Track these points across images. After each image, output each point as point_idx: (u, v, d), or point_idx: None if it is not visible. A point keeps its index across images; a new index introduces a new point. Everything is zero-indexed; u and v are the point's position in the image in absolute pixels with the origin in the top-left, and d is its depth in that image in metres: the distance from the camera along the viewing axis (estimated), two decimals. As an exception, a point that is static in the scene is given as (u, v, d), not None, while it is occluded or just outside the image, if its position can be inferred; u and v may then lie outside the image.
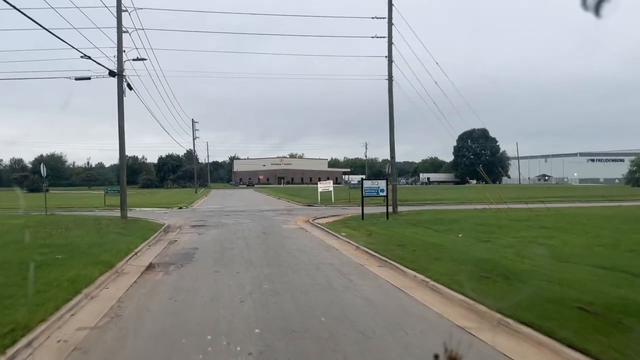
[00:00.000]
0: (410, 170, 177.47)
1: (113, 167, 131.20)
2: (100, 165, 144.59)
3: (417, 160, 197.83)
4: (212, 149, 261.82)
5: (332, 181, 33.66)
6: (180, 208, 30.87)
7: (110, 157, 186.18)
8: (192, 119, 62.14)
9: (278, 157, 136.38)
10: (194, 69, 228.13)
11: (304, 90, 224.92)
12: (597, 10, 2.19)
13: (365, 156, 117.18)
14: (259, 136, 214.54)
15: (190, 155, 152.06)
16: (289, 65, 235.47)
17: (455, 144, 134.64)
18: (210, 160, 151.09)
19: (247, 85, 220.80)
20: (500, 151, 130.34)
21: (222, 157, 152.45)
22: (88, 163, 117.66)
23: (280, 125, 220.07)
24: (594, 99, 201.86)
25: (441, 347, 1.67)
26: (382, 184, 19.16)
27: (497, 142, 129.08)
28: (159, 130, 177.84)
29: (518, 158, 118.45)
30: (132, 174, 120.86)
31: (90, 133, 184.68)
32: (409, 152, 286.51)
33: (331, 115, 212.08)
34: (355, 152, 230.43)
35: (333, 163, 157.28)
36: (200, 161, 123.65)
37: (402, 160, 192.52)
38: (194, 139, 62.28)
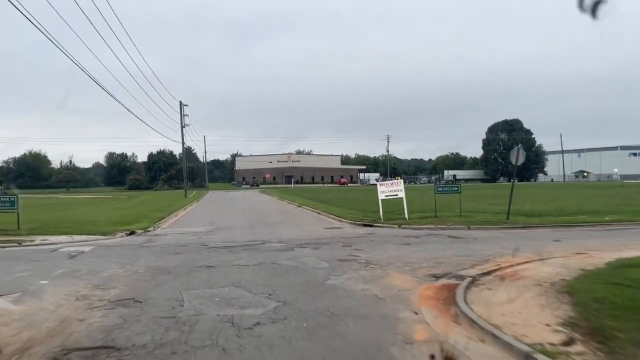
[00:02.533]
0: (428, 168, 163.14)
1: (104, 167, 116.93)
2: (98, 165, 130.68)
3: (425, 157, 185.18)
4: (214, 149, 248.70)
5: (401, 181, 19.46)
6: (131, 234, 16.68)
7: (98, 158, 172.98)
8: (180, 101, 48.06)
9: (285, 154, 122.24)
10: (194, 66, 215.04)
11: (309, 87, 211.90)
12: (593, 12, 2.11)
13: (387, 151, 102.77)
14: (263, 134, 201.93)
15: (189, 152, 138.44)
16: (293, 62, 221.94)
17: (484, 137, 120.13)
18: (211, 159, 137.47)
19: (250, 83, 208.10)
20: (536, 144, 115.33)
21: (224, 156, 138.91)
22: (70, 162, 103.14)
23: (284, 123, 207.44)
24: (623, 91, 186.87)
25: None
26: None
27: (532, 134, 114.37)
28: (156, 126, 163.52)
29: (562, 152, 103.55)
30: (120, 173, 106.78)
31: (92, 133, 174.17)
32: (412, 150, 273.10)
33: (336, 113, 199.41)
34: (362, 149, 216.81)
35: (344, 160, 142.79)
36: (200, 159, 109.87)
37: (409, 158, 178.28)
38: (182, 127, 48.10)
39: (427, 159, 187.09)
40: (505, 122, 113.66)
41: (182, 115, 47.58)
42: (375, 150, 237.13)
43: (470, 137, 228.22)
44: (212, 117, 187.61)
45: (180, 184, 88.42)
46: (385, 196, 18.94)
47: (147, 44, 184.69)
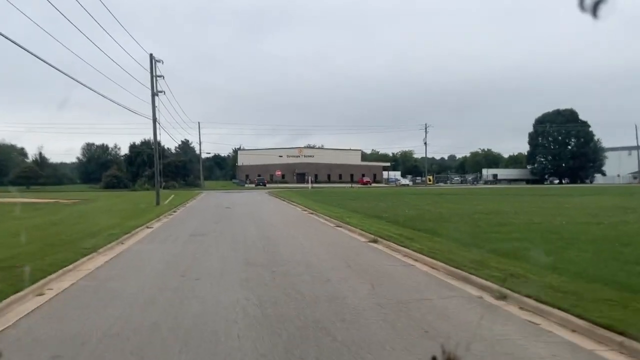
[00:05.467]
0: (454, 167, 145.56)
1: (80, 161, 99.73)
2: (88, 159, 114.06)
3: (437, 156, 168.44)
4: (218, 145, 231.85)
5: None
6: None
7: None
8: (151, 54, 30.83)
9: (296, 148, 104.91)
10: (199, 60, 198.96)
11: (318, 83, 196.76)
12: (594, 12, 2.03)
13: (425, 143, 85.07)
14: (269, 130, 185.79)
15: (186, 146, 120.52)
16: (301, 56, 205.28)
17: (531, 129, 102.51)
18: (213, 154, 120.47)
19: (256, 78, 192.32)
20: (594, 139, 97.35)
21: (227, 150, 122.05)
22: (40, 155, 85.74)
23: (291, 119, 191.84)
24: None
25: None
26: None
27: (589, 126, 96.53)
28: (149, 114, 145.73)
29: (638, 148, 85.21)
30: (99, 168, 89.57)
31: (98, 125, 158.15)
32: (417, 147, 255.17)
33: (346, 109, 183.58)
34: (374, 146, 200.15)
35: (363, 156, 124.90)
36: (198, 153, 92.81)
37: (419, 156, 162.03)
38: (153, 94, 30.74)
39: (439, 157, 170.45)
40: (558, 112, 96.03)
41: (154, 76, 30.34)
42: (388, 148, 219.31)
43: (486, 134, 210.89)
44: (216, 112, 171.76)
45: (169, 181, 71.77)
46: None
47: (155, 39, 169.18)
